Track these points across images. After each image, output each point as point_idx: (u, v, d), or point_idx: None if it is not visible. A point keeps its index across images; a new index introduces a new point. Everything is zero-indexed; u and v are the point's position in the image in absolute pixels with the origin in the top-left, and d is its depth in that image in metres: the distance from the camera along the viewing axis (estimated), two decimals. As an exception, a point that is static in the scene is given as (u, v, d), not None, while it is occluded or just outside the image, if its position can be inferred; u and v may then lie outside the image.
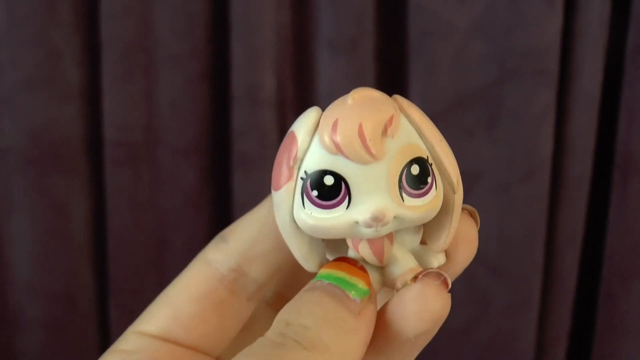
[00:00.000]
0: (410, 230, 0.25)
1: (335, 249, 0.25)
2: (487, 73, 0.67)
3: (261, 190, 0.67)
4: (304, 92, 0.68)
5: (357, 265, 0.23)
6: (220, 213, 0.71)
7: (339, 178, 0.22)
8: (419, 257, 0.25)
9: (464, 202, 0.25)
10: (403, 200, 0.22)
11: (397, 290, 0.24)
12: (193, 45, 0.67)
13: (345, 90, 0.23)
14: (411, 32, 0.67)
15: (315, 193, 0.22)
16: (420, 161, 0.23)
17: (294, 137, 0.23)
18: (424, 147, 0.23)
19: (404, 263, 0.24)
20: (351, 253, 0.24)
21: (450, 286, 0.23)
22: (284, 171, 0.23)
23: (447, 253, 0.25)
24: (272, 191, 0.24)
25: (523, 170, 0.68)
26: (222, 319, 0.26)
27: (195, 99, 0.68)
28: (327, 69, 0.67)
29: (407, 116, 0.23)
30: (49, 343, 0.73)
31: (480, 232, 0.75)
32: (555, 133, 0.68)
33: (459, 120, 0.68)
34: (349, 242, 0.24)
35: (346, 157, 0.22)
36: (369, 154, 0.22)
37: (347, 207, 0.22)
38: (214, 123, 0.69)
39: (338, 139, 0.22)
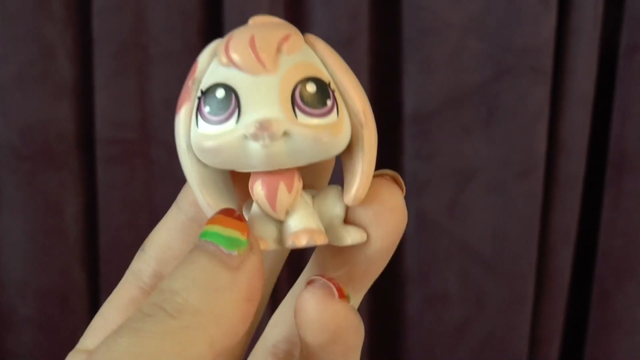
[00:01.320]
0: (329, 197, 0.23)
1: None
2: (482, 71, 0.67)
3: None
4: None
5: (233, 214, 0.21)
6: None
7: (230, 90, 0.21)
8: (333, 232, 0.23)
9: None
10: (296, 117, 0.21)
11: (287, 241, 0.22)
12: (187, 42, 0.67)
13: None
14: (406, 29, 0.67)
15: (207, 109, 0.21)
16: (319, 81, 0.22)
17: (195, 62, 0.23)
18: (326, 72, 0.22)
19: (302, 221, 0.23)
20: (254, 207, 0.23)
21: (344, 294, 0.22)
22: (185, 93, 0.23)
23: (368, 230, 0.23)
24: (174, 121, 0.23)
25: (518, 168, 0.68)
26: None
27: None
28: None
29: (311, 46, 0.23)
30: (41, 341, 0.72)
31: (474, 229, 0.75)
32: (549, 131, 0.68)
33: (454, 118, 0.68)
34: (249, 185, 0.23)
35: (236, 65, 0.21)
36: (258, 62, 0.21)
37: (236, 122, 0.21)
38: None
39: (230, 48, 0.21)
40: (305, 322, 0.22)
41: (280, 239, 0.23)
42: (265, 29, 0.22)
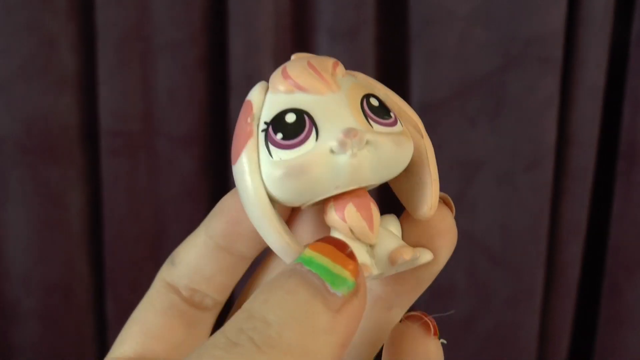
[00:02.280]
0: (388, 223, 0.23)
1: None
2: (489, 61, 0.66)
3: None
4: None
5: (345, 249, 0.20)
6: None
7: (300, 113, 0.21)
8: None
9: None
10: (372, 127, 0.21)
11: (394, 262, 0.22)
12: (190, 33, 0.66)
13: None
14: (412, 19, 0.66)
15: (279, 136, 0.21)
16: (378, 97, 0.22)
17: (247, 102, 0.22)
18: (378, 92, 0.23)
19: (393, 241, 0.22)
20: (335, 234, 0.22)
21: (437, 332, 0.23)
22: (242, 133, 0.22)
23: (421, 246, 0.23)
24: (233, 167, 0.22)
25: (526, 159, 0.67)
26: (189, 328, 0.26)
27: (192, 88, 0.67)
28: (327, 57, 0.66)
29: (353, 76, 0.23)
30: (45, 335, 0.72)
31: (482, 222, 0.74)
32: (559, 122, 0.67)
33: (461, 109, 0.67)
34: (333, 212, 0.22)
35: (302, 89, 0.21)
36: (324, 82, 0.21)
37: (316, 139, 0.21)
38: (211, 112, 0.68)
39: (291, 75, 0.21)
40: (402, 353, 0.23)
41: (376, 264, 0.22)
42: (315, 57, 0.22)
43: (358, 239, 0.22)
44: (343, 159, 0.20)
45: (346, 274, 0.19)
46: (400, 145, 0.21)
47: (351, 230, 0.22)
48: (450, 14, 0.65)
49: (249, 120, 0.22)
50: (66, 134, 0.68)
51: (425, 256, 0.23)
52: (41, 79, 0.67)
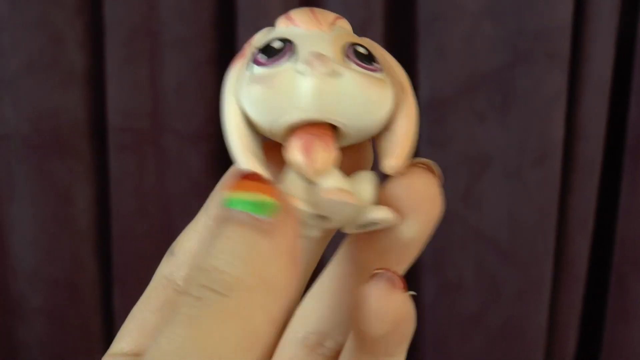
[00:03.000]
0: (362, 177, 0.23)
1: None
2: (498, 56, 0.66)
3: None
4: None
5: (258, 178, 0.20)
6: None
7: (286, 41, 0.22)
8: (363, 211, 0.23)
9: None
10: (349, 65, 0.22)
11: (318, 200, 0.22)
12: (199, 29, 0.66)
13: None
14: (421, 14, 0.66)
15: (262, 56, 0.22)
16: (367, 49, 0.23)
17: (252, 37, 0.24)
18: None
19: (335, 182, 0.22)
20: (288, 173, 0.23)
21: (405, 285, 0.22)
22: (238, 56, 0.23)
23: (403, 216, 0.23)
24: (225, 76, 0.23)
25: (534, 154, 0.68)
26: None
27: (201, 84, 0.67)
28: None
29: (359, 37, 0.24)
30: (52, 331, 0.72)
31: (491, 216, 0.74)
32: (566, 117, 0.67)
33: (469, 104, 0.67)
34: (284, 147, 0.22)
35: (294, 22, 0.23)
36: (316, 21, 0.22)
37: (289, 61, 0.22)
38: (219, 109, 0.68)
39: (291, 14, 0.23)
40: (368, 313, 0.22)
41: (311, 202, 0.22)
42: (322, 10, 0.23)
43: (299, 173, 0.22)
44: (307, 80, 0.21)
45: (264, 197, 0.20)
46: (375, 87, 0.22)
47: (292, 163, 0.22)
48: (458, 10, 0.65)
49: (246, 46, 0.23)
50: (74, 131, 0.68)
51: (383, 213, 0.23)
52: (49, 75, 0.66)
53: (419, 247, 0.24)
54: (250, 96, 0.22)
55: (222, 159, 0.69)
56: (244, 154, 0.23)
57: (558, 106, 0.66)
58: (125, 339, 0.26)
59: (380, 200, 0.23)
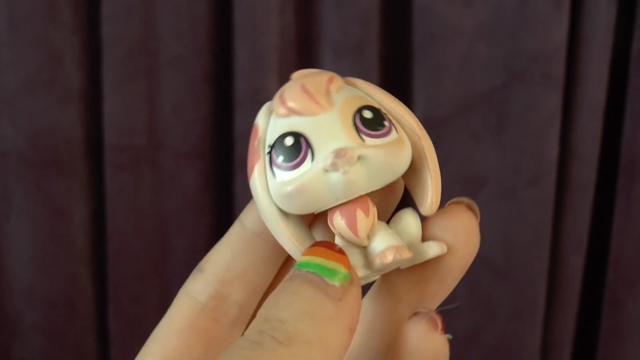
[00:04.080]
0: (404, 217, 0.24)
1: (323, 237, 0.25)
2: (493, 77, 0.67)
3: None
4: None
5: (334, 248, 0.22)
6: (222, 217, 0.70)
7: (297, 136, 0.23)
8: (413, 250, 0.24)
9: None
10: (364, 141, 0.23)
11: (382, 263, 0.23)
12: (196, 48, 0.67)
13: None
14: (416, 35, 0.66)
15: (280, 158, 0.23)
16: (372, 108, 0.23)
17: (255, 125, 0.24)
18: (374, 101, 0.24)
19: (384, 241, 0.23)
20: (337, 241, 0.24)
21: (440, 325, 0.23)
22: (252, 155, 0.24)
23: (448, 246, 0.24)
24: (249, 184, 0.24)
25: (529, 175, 0.68)
26: (208, 347, 0.26)
27: (197, 102, 0.67)
28: (332, 73, 0.66)
29: (353, 84, 0.25)
30: (47, 349, 0.72)
31: (485, 236, 0.75)
32: (561, 138, 0.68)
33: (464, 125, 0.67)
34: (329, 219, 0.24)
35: (296, 112, 0.23)
36: (316, 103, 0.23)
37: (312, 161, 0.22)
38: (216, 126, 0.68)
39: (286, 99, 0.23)
40: (407, 351, 0.23)
41: (368, 264, 0.24)
42: (310, 76, 0.24)
43: (350, 243, 0.24)
44: (336, 176, 0.22)
45: (339, 266, 0.22)
46: (394, 154, 0.23)
47: (341, 235, 0.23)
48: (454, 30, 0.66)
49: (255, 143, 0.24)
50: (71, 148, 0.68)
51: (433, 249, 0.24)
52: (46, 93, 0.67)
53: (456, 279, 0.25)
54: (283, 201, 0.23)
55: (217, 177, 0.69)
56: (293, 242, 0.24)
57: (553, 127, 0.67)
58: None
59: (423, 235, 0.25)
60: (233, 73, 0.66)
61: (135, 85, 0.67)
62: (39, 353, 0.72)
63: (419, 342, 0.23)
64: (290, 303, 0.21)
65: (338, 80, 0.24)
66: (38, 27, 0.65)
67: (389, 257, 0.23)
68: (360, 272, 0.23)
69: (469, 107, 0.67)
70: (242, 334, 0.21)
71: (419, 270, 0.25)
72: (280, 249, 0.25)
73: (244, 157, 0.68)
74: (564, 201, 0.69)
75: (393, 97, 0.24)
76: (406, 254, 0.23)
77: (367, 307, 0.26)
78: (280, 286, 0.22)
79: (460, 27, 0.66)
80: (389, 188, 0.24)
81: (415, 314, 0.23)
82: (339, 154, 0.22)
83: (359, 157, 0.22)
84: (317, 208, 0.23)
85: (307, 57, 0.67)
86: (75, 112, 0.68)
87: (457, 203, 0.25)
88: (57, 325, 0.71)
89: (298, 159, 0.22)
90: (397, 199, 0.26)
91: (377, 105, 0.24)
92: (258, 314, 0.21)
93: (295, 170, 0.22)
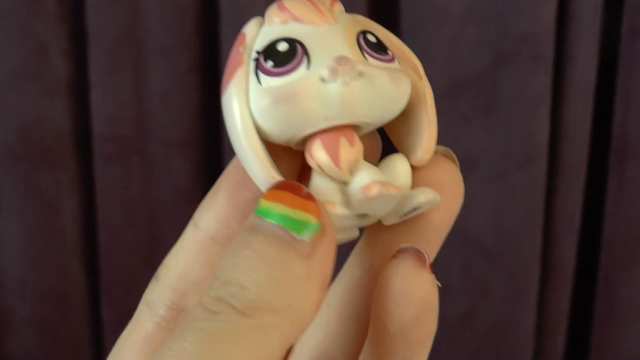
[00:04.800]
0: (393, 163, 0.22)
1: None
2: (482, 59, 0.66)
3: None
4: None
5: (301, 192, 0.19)
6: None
7: (293, 41, 0.20)
8: (404, 200, 0.21)
9: None
10: (367, 60, 0.20)
11: (365, 197, 0.20)
12: (182, 37, 0.66)
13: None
14: (405, 17, 0.66)
15: (270, 63, 0.20)
16: (376, 35, 0.21)
17: (241, 34, 0.21)
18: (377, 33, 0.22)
19: (369, 175, 0.21)
20: (316, 179, 0.21)
21: (428, 262, 0.21)
22: (233, 63, 0.21)
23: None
24: (221, 98, 0.21)
25: (519, 157, 0.68)
26: None
27: (185, 92, 0.67)
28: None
29: (352, 15, 0.22)
30: (40, 343, 0.72)
31: (477, 219, 0.74)
32: (551, 119, 0.67)
33: (454, 107, 0.67)
34: (307, 148, 0.21)
35: (297, 19, 0.21)
36: (320, 13, 0.21)
37: (308, 68, 0.20)
38: (205, 116, 0.68)
39: (287, 6, 0.21)
40: (391, 295, 0.20)
41: (348, 203, 0.21)
42: None
43: (329, 176, 0.21)
44: (334, 87, 0.19)
45: (307, 216, 0.18)
46: (397, 81, 0.21)
47: (320, 167, 0.21)
48: (442, 13, 0.66)
49: (240, 49, 0.21)
50: (59, 140, 0.68)
51: (426, 195, 0.21)
52: (33, 85, 0.66)
53: (442, 236, 0.23)
54: (266, 112, 0.20)
55: (207, 166, 0.69)
56: (269, 170, 0.21)
57: (543, 108, 0.66)
58: None
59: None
60: (220, 61, 0.66)
61: (123, 75, 0.66)
62: (32, 347, 0.71)
63: (404, 284, 0.20)
64: (251, 265, 0.18)
65: (340, 5, 0.22)
66: (23, 18, 0.65)
67: (374, 190, 0.20)
68: (338, 209, 0.21)
69: (458, 90, 0.67)
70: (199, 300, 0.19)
71: (402, 227, 0.22)
72: None
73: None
74: (556, 183, 0.69)
75: (393, 35, 0.23)
76: (394, 191, 0.20)
77: (340, 289, 0.24)
78: (239, 239, 0.19)
79: (448, 10, 0.66)
80: (370, 144, 0.22)
81: (399, 251, 0.21)
82: (340, 60, 0.19)
83: (361, 74, 0.20)
84: (301, 127, 0.20)
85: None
86: (63, 103, 0.68)
87: (436, 153, 0.22)
88: (50, 319, 0.71)
89: (292, 64, 0.20)
90: (376, 157, 0.24)
91: (380, 36, 0.21)
92: (215, 275, 0.18)
93: (287, 76, 0.20)
